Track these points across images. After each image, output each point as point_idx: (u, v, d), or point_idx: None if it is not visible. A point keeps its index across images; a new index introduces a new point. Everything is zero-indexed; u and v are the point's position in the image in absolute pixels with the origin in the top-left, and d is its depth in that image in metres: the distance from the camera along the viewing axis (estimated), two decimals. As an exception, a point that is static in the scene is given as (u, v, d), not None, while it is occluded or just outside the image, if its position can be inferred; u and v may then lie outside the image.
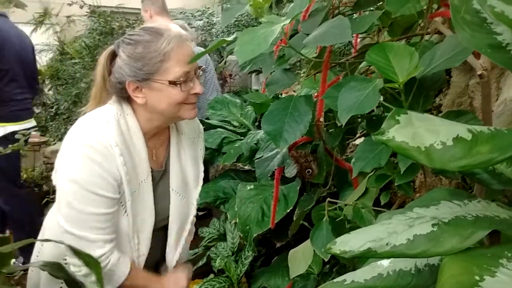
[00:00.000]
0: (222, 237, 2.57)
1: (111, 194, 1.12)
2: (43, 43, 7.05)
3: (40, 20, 6.97)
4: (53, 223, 1.20)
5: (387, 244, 0.42)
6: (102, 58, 1.20)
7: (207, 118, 2.77)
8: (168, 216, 1.29)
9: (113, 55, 1.19)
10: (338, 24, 0.73)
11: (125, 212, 1.17)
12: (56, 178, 1.12)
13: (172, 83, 1.12)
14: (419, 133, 0.42)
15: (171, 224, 1.31)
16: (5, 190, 2.91)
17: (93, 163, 1.08)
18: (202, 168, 1.39)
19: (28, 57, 2.94)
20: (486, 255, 0.41)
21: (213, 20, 6.53)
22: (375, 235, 0.42)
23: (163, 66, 1.11)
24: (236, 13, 1.08)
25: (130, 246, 1.21)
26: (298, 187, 1.60)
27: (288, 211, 1.56)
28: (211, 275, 2.27)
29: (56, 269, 1.03)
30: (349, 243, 0.42)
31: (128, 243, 1.21)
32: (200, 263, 2.56)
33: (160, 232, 1.31)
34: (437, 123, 0.43)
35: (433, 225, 0.42)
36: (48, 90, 6.49)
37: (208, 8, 6.77)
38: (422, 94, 0.72)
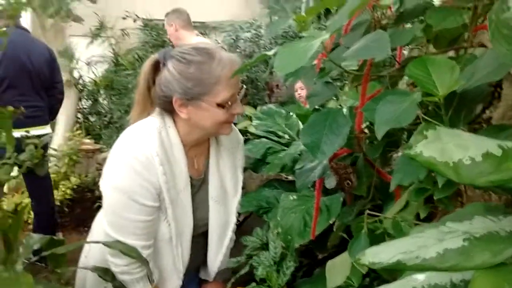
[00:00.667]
0: (265, 246, 2.58)
1: (151, 202, 1.18)
2: (99, 55, 7.37)
3: (96, 33, 7.29)
4: (99, 226, 1.27)
5: (417, 257, 0.42)
6: (146, 67, 1.26)
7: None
8: (207, 223, 1.34)
9: (157, 64, 1.24)
10: (378, 38, 0.74)
11: (165, 219, 1.22)
12: (102, 185, 1.19)
13: (220, 105, 1.17)
14: (448, 148, 0.42)
15: (211, 231, 1.36)
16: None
17: (135, 173, 1.15)
18: (241, 177, 1.44)
19: (38, 66, 3.07)
20: (518, 271, 0.40)
21: (260, 32, 6.60)
22: (405, 248, 0.43)
23: (214, 89, 1.17)
24: (280, 26, 1.11)
25: (173, 255, 1.27)
26: (341, 199, 1.60)
27: (331, 222, 1.56)
28: (253, 284, 2.28)
29: (104, 272, 1.09)
30: (379, 255, 0.43)
31: (170, 252, 1.26)
32: (243, 271, 2.58)
33: (201, 238, 1.35)
34: (466, 139, 0.43)
35: (464, 239, 0.42)
36: (103, 100, 6.78)
37: (256, 20, 6.85)
38: (464, 107, 0.71)
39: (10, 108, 1.49)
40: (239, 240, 1.84)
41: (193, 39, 3.38)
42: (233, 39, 6.38)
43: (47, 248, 1.10)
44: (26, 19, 7.75)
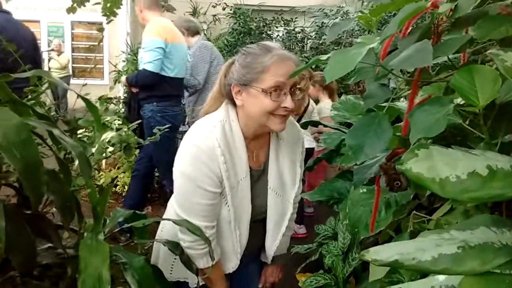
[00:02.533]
0: (336, 235, 2.63)
1: (213, 188, 1.32)
2: (191, 40, 7.70)
3: (190, 19, 7.61)
4: (172, 206, 1.44)
5: (413, 259, 0.48)
6: (224, 66, 1.41)
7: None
8: (265, 211, 1.44)
9: (233, 62, 1.39)
10: (422, 48, 0.77)
11: (226, 203, 1.34)
12: (174, 170, 1.35)
13: (264, 91, 1.28)
14: (437, 166, 0.47)
15: (268, 219, 1.46)
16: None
17: (199, 161, 1.30)
18: (299, 171, 1.53)
19: (26, 52, 3.22)
20: (504, 281, 0.45)
21: (349, 18, 6.51)
22: (404, 250, 0.49)
23: (261, 76, 1.29)
24: (343, 28, 1.16)
25: (232, 237, 1.39)
26: (412, 195, 1.61)
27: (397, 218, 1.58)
28: (321, 271, 2.36)
29: (174, 246, 1.23)
30: (380, 253, 0.49)
31: (230, 234, 1.39)
32: (313, 258, 2.67)
33: (259, 224, 1.46)
34: (459, 158, 0.48)
35: (459, 247, 0.47)
36: (193, 86, 7.11)
37: (343, 6, 6.75)
38: (504, 118, 0.73)
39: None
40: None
41: (155, 19, 3.33)
42: (318, 26, 6.35)
43: (130, 221, 1.27)
44: (126, 7, 8.31)
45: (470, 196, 0.44)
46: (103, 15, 2.14)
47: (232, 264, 1.46)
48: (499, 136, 0.73)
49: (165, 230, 1.53)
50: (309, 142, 4.10)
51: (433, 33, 0.96)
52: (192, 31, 4.02)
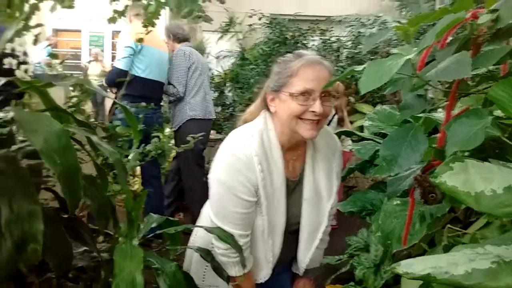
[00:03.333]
0: (368, 247, 2.59)
1: (248, 197, 1.32)
2: (227, 49, 7.81)
3: (226, 29, 7.72)
4: (207, 212, 1.44)
5: (446, 273, 0.47)
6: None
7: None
8: (299, 222, 1.43)
9: None
10: (460, 59, 0.76)
11: (261, 212, 1.34)
12: (209, 177, 1.36)
13: (291, 95, 1.30)
14: (472, 179, 0.46)
15: (302, 230, 1.45)
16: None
17: (236, 170, 1.30)
18: (336, 182, 1.51)
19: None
20: (542, 298, 0.43)
21: (387, 28, 6.43)
22: (437, 263, 0.48)
23: (289, 81, 1.32)
24: (379, 39, 1.15)
25: (265, 246, 1.39)
26: (447, 209, 1.57)
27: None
28: (351, 283, 2.32)
29: (205, 253, 1.24)
30: (412, 266, 0.48)
31: (263, 243, 1.39)
32: (343, 270, 2.63)
33: (293, 235, 1.45)
34: (495, 172, 0.46)
35: (493, 262, 0.46)
36: (228, 92, 7.19)
37: (380, 16, 6.66)
38: (546, 132, 0.71)
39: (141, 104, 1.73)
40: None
41: (136, 24, 3.47)
42: (354, 35, 6.29)
43: (163, 228, 1.29)
44: (164, 17, 8.49)
45: (505, 211, 0.43)
46: (143, 26, 2.21)
47: (264, 273, 1.46)
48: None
49: (198, 237, 1.55)
50: None
51: (472, 44, 0.95)
52: (179, 38, 4.05)
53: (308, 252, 1.50)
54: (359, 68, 0.94)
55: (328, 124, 4.01)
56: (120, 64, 3.38)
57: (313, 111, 1.30)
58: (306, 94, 1.29)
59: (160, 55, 3.67)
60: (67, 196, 0.81)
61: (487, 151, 0.96)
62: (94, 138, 0.99)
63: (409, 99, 1.03)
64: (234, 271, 1.38)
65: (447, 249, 0.87)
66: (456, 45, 0.94)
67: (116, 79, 3.28)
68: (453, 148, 0.69)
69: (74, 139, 1.16)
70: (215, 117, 4.21)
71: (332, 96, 1.35)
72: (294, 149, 1.44)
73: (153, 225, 1.27)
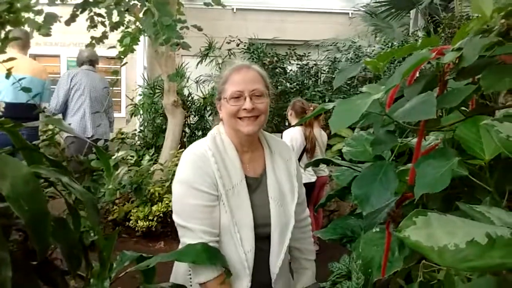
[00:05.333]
0: (350, 274, 2.57)
1: (207, 189, 1.43)
2: (206, 74, 7.86)
3: (205, 53, 7.78)
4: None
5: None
6: None
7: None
8: (269, 223, 1.51)
9: None
10: (425, 100, 0.77)
11: (225, 209, 1.43)
12: (172, 185, 1.49)
13: (226, 99, 1.50)
14: (435, 234, 0.46)
15: (272, 231, 1.52)
16: None
17: (193, 164, 1.46)
18: (296, 185, 1.63)
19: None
20: None
21: (361, 52, 6.56)
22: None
23: (224, 88, 1.53)
24: (350, 74, 1.17)
25: (234, 241, 1.44)
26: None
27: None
28: (334, 312, 2.30)
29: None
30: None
31: (231, 238, 1.44)
32: (326, 298, 2.60)
33: (264, 241, 1.52)
34: (458, 225, 0.47)
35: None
36: (209, 116, 7.19)
37: (355, 42, 6.80)
38: (511, 171, 0.72)
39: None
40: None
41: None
42: (330, 61, 6.40)
43: (137, 264, 1.27)
44: (143, 44, 8.51)
45: (468, 266, 0.43)
46: (118, 59, 2.22)
47: (243, 284, 1.45)
48: (505, 188, 0.72)
49: (177, 270, 1.56)
50: (308, 176, 4.15)
51: (439, 81, 0.97)
52: (78, 62, 4.64)
53: (280, 254, 1.53)
54: (329, 106, 0.95)
55: (300, 158, 4.08)
56: None
57: (244, 109, 1.47)
58: (237, 95, 1.48)
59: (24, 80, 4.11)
60: (35, 243, 0.79)
61: (458, 187, 0.97)
62: (65, 179, 0.97)
63: (380, 134, 1.05)
64: (204, 276, 1.39)
65: (422, 287, 0.87)
66: (423, 81, 0.96)
67: None
68: (421, 191, 0.69)
69: (45, 179, 1.14)
70: (93, 135, 4.42)
71: (261, 95, 1.51)
72: (251, 151, 1.59)
73: (126, 263, 1.25)
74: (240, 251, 1.44)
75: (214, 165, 1.46)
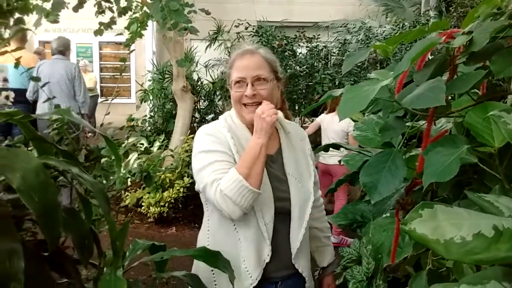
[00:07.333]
0: (360, 259, 2.57)
1: (226, 149, 1.46)
2: (215, 58, 7.81)
3: (214, 37, 7.72)
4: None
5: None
6: None
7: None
8: (289, 199, 1.52)
9: None
10: (434, 86, 0.76)
11: None
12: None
13: (229, 85, 1.55)
14: (441, 226, 0.45)
15: (293, 205, 1.53)
16: None
17: (209, 137, 1.50)
18: (312, 164, 1.66)
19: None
20: None
21: (373, 33, 6.46)
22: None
23: (229, 73, 1.56)
24: (357, 60, 1.15)
25: (254, 211, 1.44)
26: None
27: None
28: (345, 296, 2.31)
29: (190, 278, 1.23)
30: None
31: (252, 209, 1.43)
32: (337, 282, 2.61)
33: (284, 216, 1.53)
34: (464, 217, 0.46)
35: (467, 306, 0.46)
36: (218, 101, 7.17)
37: (365, 23, 6.69)
38: (522, 159, 0.71)
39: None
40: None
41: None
42: (340, 42, 6.31)
43: (150, 253, 1.28)
44: (152, 29, 8.47)
45: (475, 259, 0.43)
46: (125, 46, 2.21)
47: (265, 252, 1.47)
48: (515, 176, 0.71)
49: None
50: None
51: (449, 65, 0.95)
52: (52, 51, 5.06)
53: (301, 228, 1.54)
54: (337, 92, 0.94)
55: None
56: None
57: (246, 95, 1.48)
58: (240, 81, 1.50)
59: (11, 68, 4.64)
60: (47, 234, 0.80)
61: (469, 173, 0.96)
62: (75, 170, 0.98)
63: (390, 120, 1.04)
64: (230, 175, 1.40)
65: (431, 273, 0.87)
66: (433, 66, 0.94)
67: None
68: (429, 180, 0.69)
69: (56, 170, 1.15)
70: None
71: (264, 80, 1.50)
72: None
73: (139, 251, 1.26)
74: (260, 222, 1.46)
75: (230, 140, 1.49)
